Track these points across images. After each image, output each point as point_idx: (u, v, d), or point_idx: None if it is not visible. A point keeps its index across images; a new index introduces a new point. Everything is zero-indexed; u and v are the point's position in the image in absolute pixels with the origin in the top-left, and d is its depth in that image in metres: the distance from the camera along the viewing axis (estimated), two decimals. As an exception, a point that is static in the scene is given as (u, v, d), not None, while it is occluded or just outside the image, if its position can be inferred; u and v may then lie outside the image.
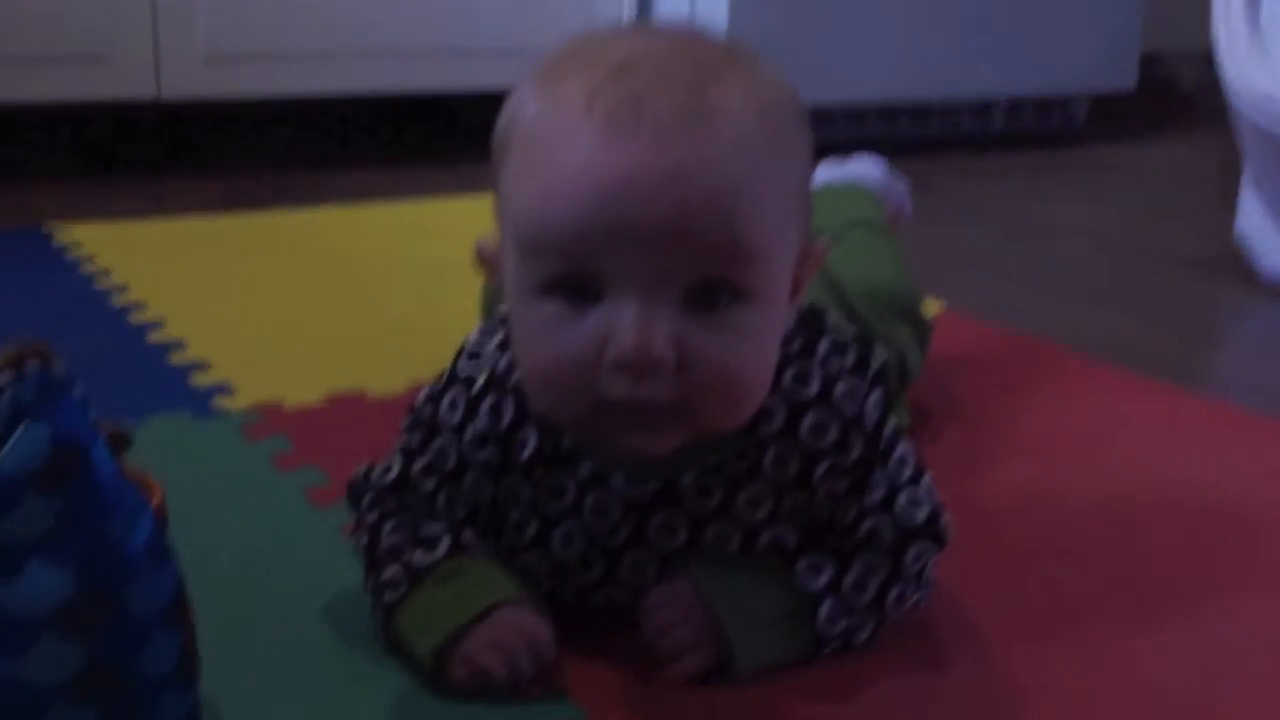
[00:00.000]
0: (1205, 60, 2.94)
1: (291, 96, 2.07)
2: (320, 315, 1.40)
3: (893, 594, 0.80)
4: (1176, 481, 1.08)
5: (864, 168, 1.31)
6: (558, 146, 0.69)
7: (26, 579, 0.58)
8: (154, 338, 1.31)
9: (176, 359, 1.26)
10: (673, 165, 0.67)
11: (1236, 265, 1.70)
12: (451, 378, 0.80)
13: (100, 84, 1.91)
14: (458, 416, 0.79)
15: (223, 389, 1.19)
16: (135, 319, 1.36)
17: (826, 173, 1.30)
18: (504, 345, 0.80)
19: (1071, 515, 1.01)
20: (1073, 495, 1.05)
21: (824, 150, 1.45)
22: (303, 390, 1.18)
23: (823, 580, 0.78)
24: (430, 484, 0.81)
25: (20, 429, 0.57)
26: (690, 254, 0.68)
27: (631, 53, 0.70)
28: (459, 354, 0.81)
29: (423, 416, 0.81)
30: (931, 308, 1.43)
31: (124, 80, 1.92)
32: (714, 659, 0.77)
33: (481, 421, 0.79)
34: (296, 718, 0.73)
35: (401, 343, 1.30)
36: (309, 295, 1.47)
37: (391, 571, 0.78)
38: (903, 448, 0.80)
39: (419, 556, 0.78)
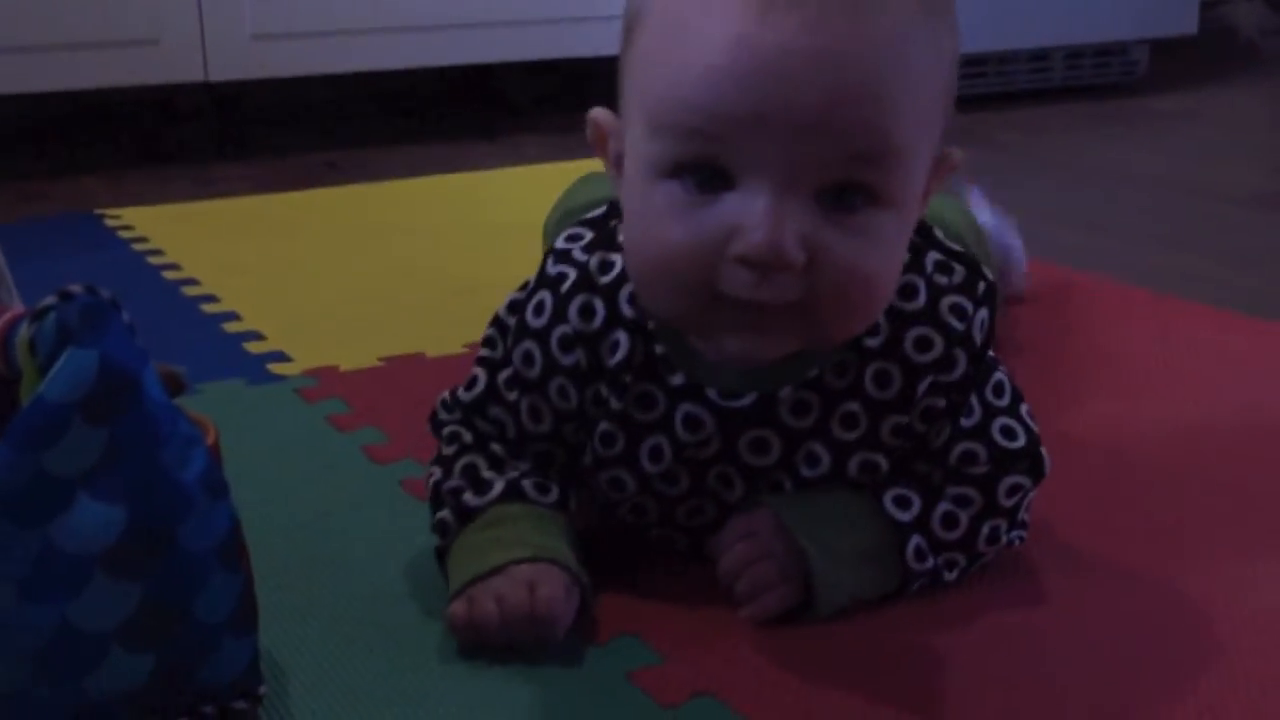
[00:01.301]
0: (1265, 4, 2.87)
1: (337, 74, 2.05)
2: (373, 285, 1.38)
3: (985, 530, 0.76)
4: (1264, 409, 1.04)
5: (975, 202, 1.26)
6: (707, 16, 0.64)
7: (76, 514, 0.56)
8: (208, 310, 1.29)
9: (230, 329, 1.24)
10: (833, 46, 0.62)
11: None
12: (540, 280, 0.77)
13: (148, 68, 1.90)
14: (545, 319, 0.75)
15: (277, 356, 1.17)
16: (189, 293, 1.35)
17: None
18: (592, 246, 0.76)
19: (1164, 446, 0.97)
20: (1164, 426, 1.01)
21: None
22: (358, 356, 1.16)
23: (911, 514, 0.74)
24: (514, 394, 0.77)
25: (66, 353, 0.54)
26: (835, 148, 0.64)
27: None
28: (546, 256, 0.78)
29: (506, 325, 0.78)
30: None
31: (172, 64, 1.90)
32: (796, 596, 0.73)
33: (571, 323, 0.75)
34: (357, 673, 0.70)
35: (457, 306, 1.28)
36: (361, 267, 1.45)
37: (443, 514, 0.76)
38: (1001, 373, 0.76)
39: (470, 498, 0.76)
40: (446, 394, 0.81)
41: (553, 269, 0.76)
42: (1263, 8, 2.90)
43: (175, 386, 0.71)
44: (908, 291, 0.73)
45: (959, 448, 0.75)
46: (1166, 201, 1.73)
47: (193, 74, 1.92)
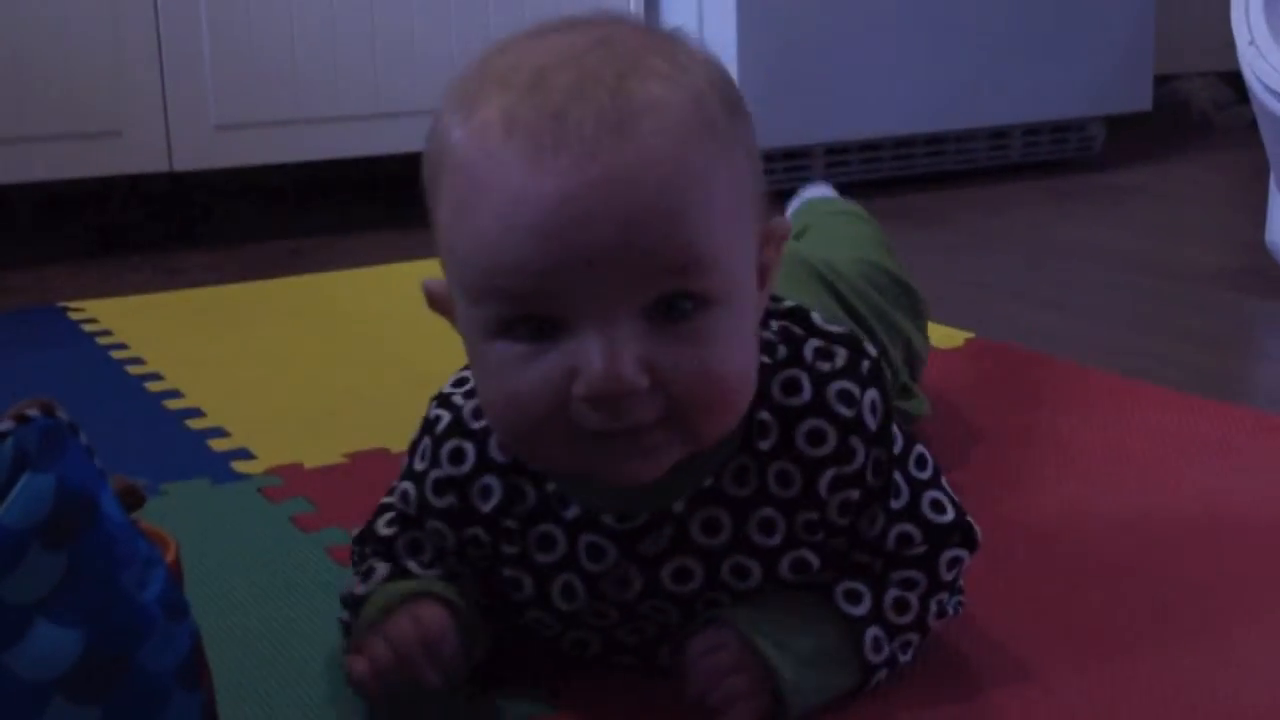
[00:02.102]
0: (1219, 80, 2.92)
1: (302, 162, 2.06)
2: (338, 376, 1.38)
3: (934, 607, 0.77)
4: (1224, 497, 1.04)
5: (820, 189, 1.31)
6: (485, 180, 0.65)
7: (33, 641, 0.55)
8: (171, 406, 1.29)
9: (194, 426, 1.23)
10: (606, 177, 0.63)
11: (1266, 276, 1.67)
12: (423, 424, 0.78)
13: (112, 159, 1.91)
14: (425, 462, 0.77)
15: (242, 454, 1.16)
16: (152, 389, 1.34)
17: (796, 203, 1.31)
18: (473, 391, 0.76)
19: (1118, 536, 0.97)
20: (1118, 515, 1.01)
21: (841, 190, 1.43)
22: (323, 452, 1.15)
23: (863, 607, 0.75)
24: (390, 530, 0.79)
25: (23, 479, 0.54)
26: (643, 271, 0.64)
27: (546, 59, 0.65)
28: (431, 400, 0.79)
29: (403, 464, 0.79)
30: (958, 338, 1.40)
31: (135, 155, 1.91)
32: (768, 706, 0.73)
33: (442, 467, 0.76)
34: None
35: (422, 398, 1.27)
36: (326, 358, 1.45)
37: (343, 614, 0.78)
38: (919, 448, 0.76)
39: (359, 588, 0.77)
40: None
41: (433, 413, 0.78)
42: (1216, 82, 2.94)
43: (135, 499, 0.71)
44: (791, 387, 0.73)
45: (894, 531, 0.75)
46: (1127, 279, 1.75)
47: (157, 165, 1.93)
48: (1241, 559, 0.94)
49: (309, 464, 1.13)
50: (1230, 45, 1.61)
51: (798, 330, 0.76)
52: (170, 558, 0.63)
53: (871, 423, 0.73)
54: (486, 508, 0.75)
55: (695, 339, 0.66)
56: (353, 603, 0.77)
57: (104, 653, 0.57)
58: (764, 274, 0.72)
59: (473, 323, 0.68)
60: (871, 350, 0.76)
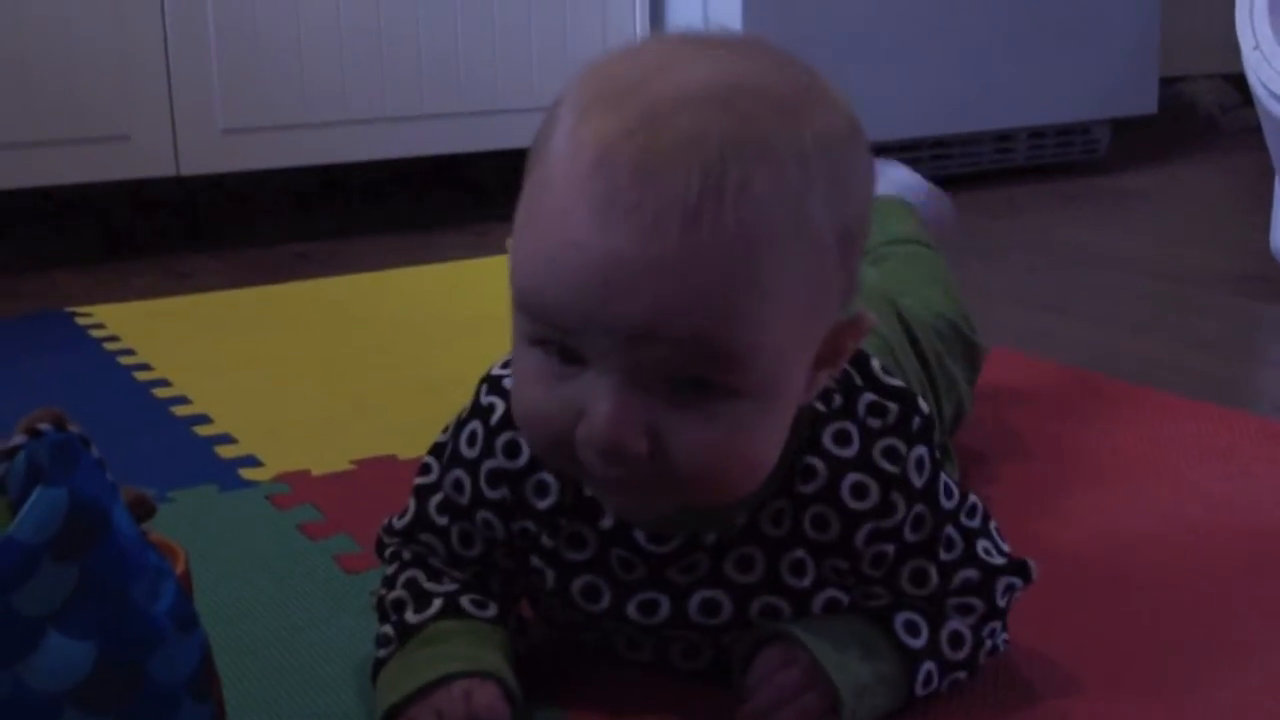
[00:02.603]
0: (1225, 82, 2.92)
1: (308, 167, 2.07)
2: (344, 381, 1.38)
3: (986, 642, 0.77)
4: (1241, 505, 1.04)
5: (891, 172, 1.26)
6: (557, 208, 0.63)
7: (45, 652, 0.56)
8: (179, 412, 1.29)
9: (202, 433, 1.24)
10: (663, 256, 0.61)
11: (1272, 281, 1.67)
12: (473, 409, 0.78)
13: (119, 164, 1.91)
14: (476, 450, 0.76)
15: (249, 461, 1.16)
16: (159, 394, 1.34)
17: None
18: None
19: (1121, 544, 0.98)
20: (1139, 526, 1.01)
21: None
22: (331, 459, 1.16)
23: (921, 640, 0.75)
24: (444, 520, 0.78)
25: (35, 493, 0.55)
26: (672, 352, 0.63)
27: (669, 95, 0.62)
28: (481, 383, 0.78)
29: (443, 450, 0.79)
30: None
31: (143, 159, 1.91)
32: None
33: (497, 458, 0.76)
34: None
35: (431, 405, 1.27)
36: (334, 364, 1.45)
37: (385, 628, 0.77)
38: (971, 498, 0.77)
39: (410, 615, 0.76)
40: (386, 520, 0.82)
41: (485, 398, 0.77)
42: (1222, 84, 2.94)
43: (145, 510, 0.71)
44: (842, 438, 0.73)
45: (958, 577, 0.75)
46: (1132, 283, 1.75)
47: (164, 169, 1.93)
48: (1245, 567, 0.94)
49: (316, 471, 1.13)
50: (1236, 48, 1.61)
51: (856, 380, 0.75)
52: (180, 569, 0.64)
53: (916, 479, 0.73)
54: (542, 504, 0.75)
55: (713, 420, 0.65)
56: (401, 628, 0.76)
57: (115, 664, 0.57)
58: (833, 359, 0.70)
59: (515, 321, 0.68)
60: (924, 406, 0.75)
